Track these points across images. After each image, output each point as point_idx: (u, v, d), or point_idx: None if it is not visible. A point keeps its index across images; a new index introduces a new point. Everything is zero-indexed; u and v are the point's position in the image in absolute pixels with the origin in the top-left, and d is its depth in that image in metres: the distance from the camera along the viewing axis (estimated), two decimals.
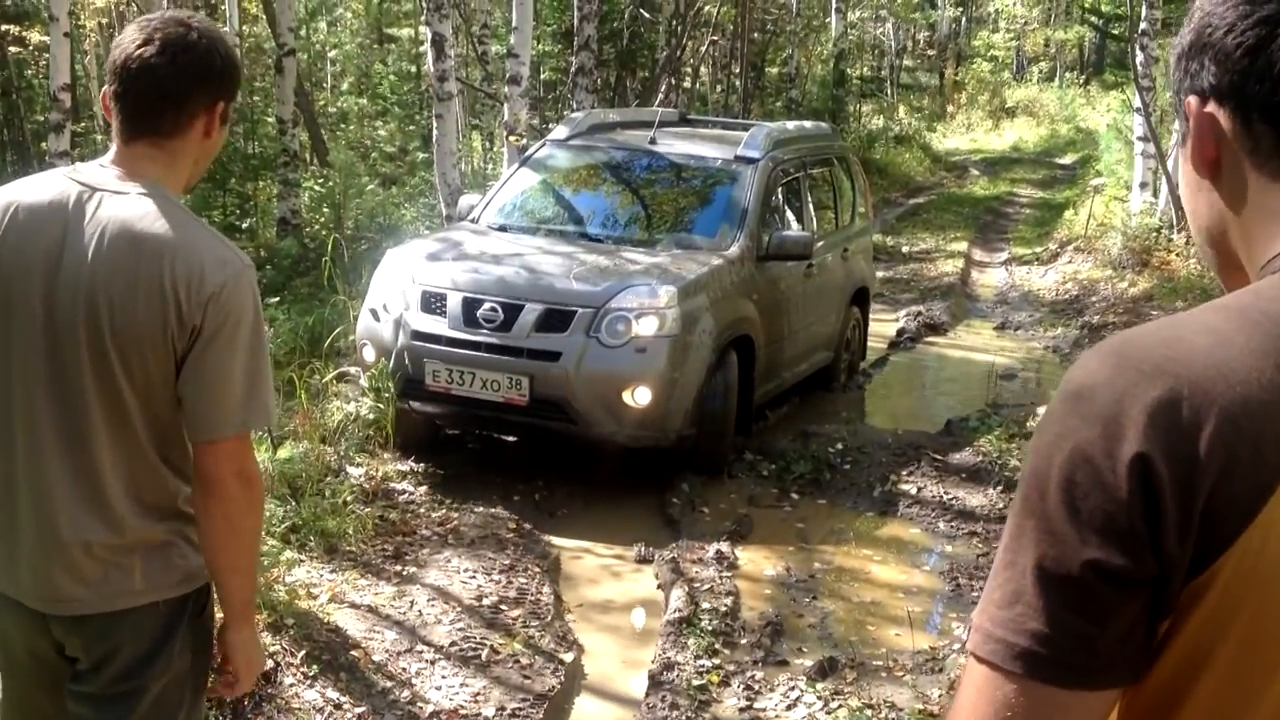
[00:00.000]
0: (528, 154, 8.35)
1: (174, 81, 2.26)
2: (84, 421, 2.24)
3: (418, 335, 6.53)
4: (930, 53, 37.65)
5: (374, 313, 6.78)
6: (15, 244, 2.25)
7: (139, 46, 2.25)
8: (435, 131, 9.90)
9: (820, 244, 8.12)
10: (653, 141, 7.89)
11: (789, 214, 8.09)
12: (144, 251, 2.21)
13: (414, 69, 20.69)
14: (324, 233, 12.12)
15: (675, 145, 7.99)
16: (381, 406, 6.56)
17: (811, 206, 8.39)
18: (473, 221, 7.64)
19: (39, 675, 2.38)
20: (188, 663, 2.38)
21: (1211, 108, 1.12)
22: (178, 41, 2.26)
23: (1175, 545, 0.98)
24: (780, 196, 7.94)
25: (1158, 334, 1.05)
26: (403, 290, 6.67)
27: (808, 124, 10.01)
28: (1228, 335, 1.02)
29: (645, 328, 6.34)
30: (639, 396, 6.28)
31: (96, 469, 2.25)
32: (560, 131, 8.34)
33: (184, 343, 2.22)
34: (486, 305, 6.43)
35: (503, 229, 7.49)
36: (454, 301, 6.50)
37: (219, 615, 2.49)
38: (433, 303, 6.58)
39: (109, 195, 2.26)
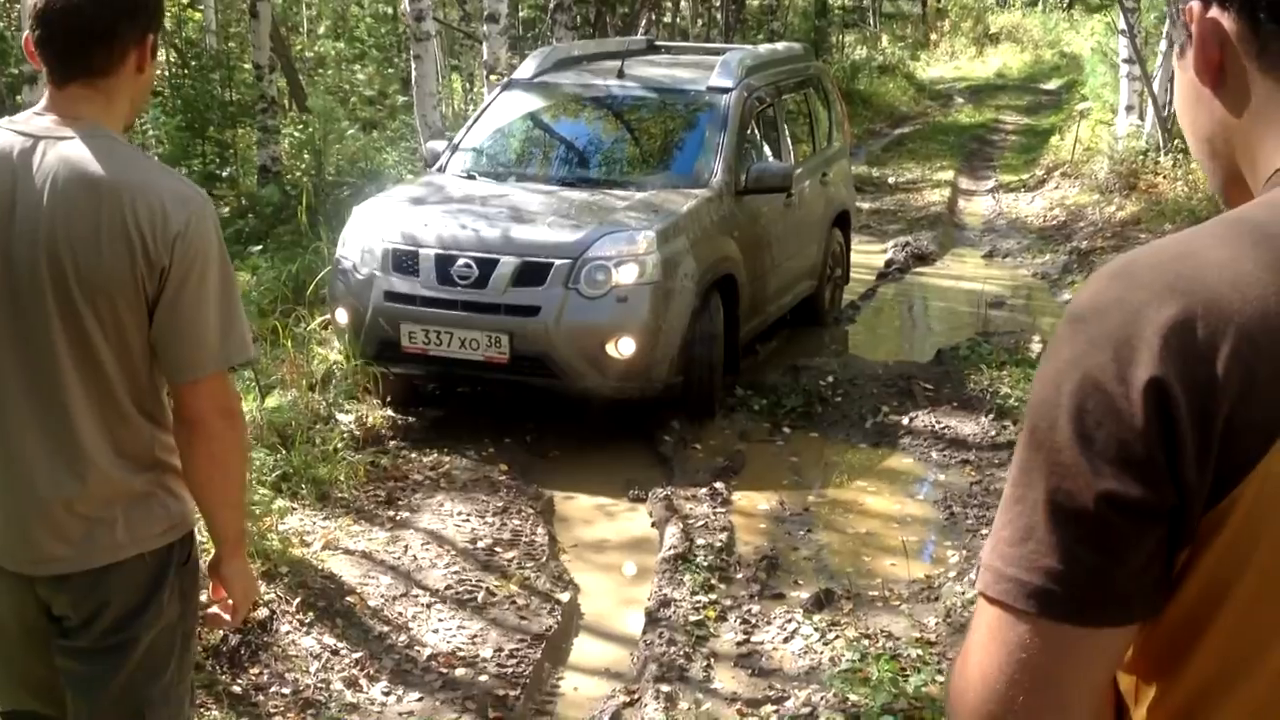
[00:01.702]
0: (491, 96, 8.11)
1: (100, 18, 2.19)
2: (55, 376, 2.20)
3: (390, 295, 6.32)
4: None
5: (344, 274, 6.56)
6: None
7: None
8: (414, 73, 9.78)
9: (799, 172, 7.96)
10: (621, 75, 7.65)
11: (765, 143, 7.91)
12: (102, 194, 2.15)
13: (391, 10, 20.40)
14: (305, 179, 12.00)
15: (645, 79, 7.77)
16: (357, 366, 6.42)
17: (788, 133, 8.19)
18: (440, 170, 7.40)
19: (28, 639, 2.35)
20: (177, 611, 2.38)
21: (1214, 12, 1.07)
22: None
23: (1194, 473, 0.94)
24: (756, 125, 7.75)
25: (1167, 251, 1.00)
26: (373, 249, 6.46)
27: (779, 46, 9.68)
28: (1240, 251, 0.98)
29: (625, 276, 6.17)
30: (622, 347, 6.13)
31: (72, 424, 2.21)
32: (525, 69, 8.05)
33: (154, 284, 2.18)
34: (460, 261, 6.22)
35: (471, 177, 7.25)
36: (426, 259, 6.30)
37: (211, 550, 2.49)
38: (404, 261, 6.37)
39: (52, 141, 2.19)
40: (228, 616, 2.53)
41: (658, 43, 9.92)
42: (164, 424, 2.33)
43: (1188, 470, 0.94)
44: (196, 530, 2.46)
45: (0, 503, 2.26)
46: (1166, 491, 0.95)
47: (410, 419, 6.56)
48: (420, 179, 7.60)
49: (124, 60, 2.24)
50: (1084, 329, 0.98)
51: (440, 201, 6.79)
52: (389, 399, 6.59)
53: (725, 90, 7.37)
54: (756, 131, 7.77)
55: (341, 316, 6.55)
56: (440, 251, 6.30)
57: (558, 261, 6.16)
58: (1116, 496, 0.94)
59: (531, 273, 6.17)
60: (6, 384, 2.21)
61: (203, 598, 2.57)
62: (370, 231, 6.53)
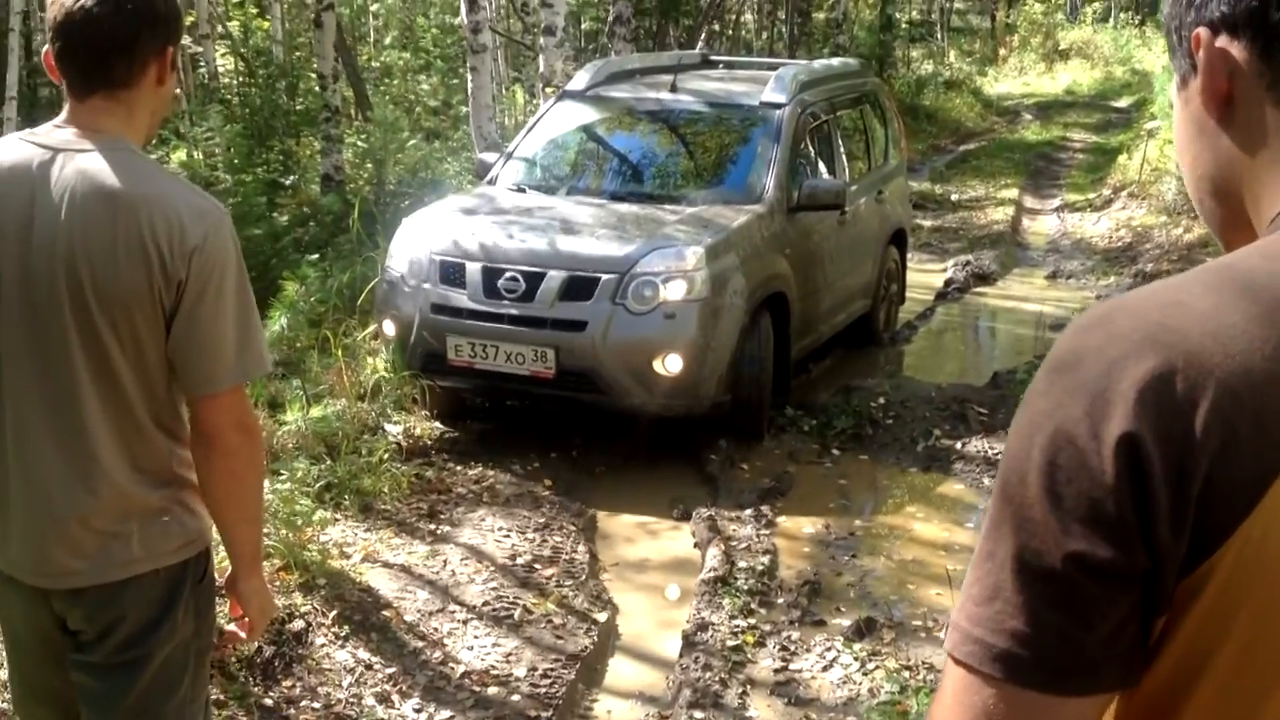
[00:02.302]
0: (543, 108, 8.09)
1: (121, 29, 2.18)
2: (72, 390, 2.19)
3: (437, 308, 6.31)
4: None
5: (391, 285, 6.57)
6: None
7: None
8: (470, 85, 9.80)
9: (853, 189, 7.86)
10: (673, 89, 7.59)
11: (819, 160, 7.81)
12: (119, 208, 2.14)
13: (456, 21, 20.53)
14: (367, 188, 12.09)
15: (698, 93, 7.70)
16: (405, 377, 6.41)
17: (843, 150, 8.09)
18: (490, 183, 7.38)
19: (43, 651, 2.35)
20: (191, 628, 2.36)
21: (1224, 40, 1.00)
22: None
23: (1168, 536, 0.88)
24: (810, 141, 7.65)
25: (1151, 299, 0.94)
26: (420, 261, 6.45)
27: (835, 62, 9.58)
28: (1227, 301, 0.91)
29: (673, 292, 6.10)
30: (670, 364, 6.05)
31: (89, 439, 2.20)
32: (578, 81, 7.97)
33: (171, 298, 2.17)
34: (507, 275, 6.19)
35: (521, 191, 7.22)
36: (473, 272, 6.27)
37: (226, 566, 2.47)
38: (451, 274, 6.35)
39: (72, 154, 2.19)
40: (244, 634, 2.51)
41: (712, 57, 9.86)
42: (181, 439, 2.32)
43: (1161, 532, 0.88)
44: (213, 547, 2.44)
45: (17, 516, 2.25)
46: (1138, 554, 0.89)
47: (457, 432, 6.55)
48: (470, 191, 7.58)
49: (144, 73, 2.23)
50: (1059, 379, 0.93)
51: (489, 214, 6.78)
52: (435, 412, 6.58)
53: (778, 105, 7.29)
54: (810, 148, 7.66)
55: (389, 328, 6.55)
56: (487, 264, 6.27)
57: (605, 276, 6.11)
58: (1085, 558, 0.89)
59: (579, 287, 6.13)
60: (24, 397, 2.21)
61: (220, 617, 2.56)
62: (418, 243, 6.52)
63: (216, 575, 2.50)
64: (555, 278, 6.14)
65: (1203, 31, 1.01)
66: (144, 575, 2.27)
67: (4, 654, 2.54)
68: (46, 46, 2.25)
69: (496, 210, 6.84)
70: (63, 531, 2.23)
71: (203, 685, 2.46)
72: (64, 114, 2.26)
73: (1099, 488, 0.88)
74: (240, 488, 2.32)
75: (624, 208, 6.85)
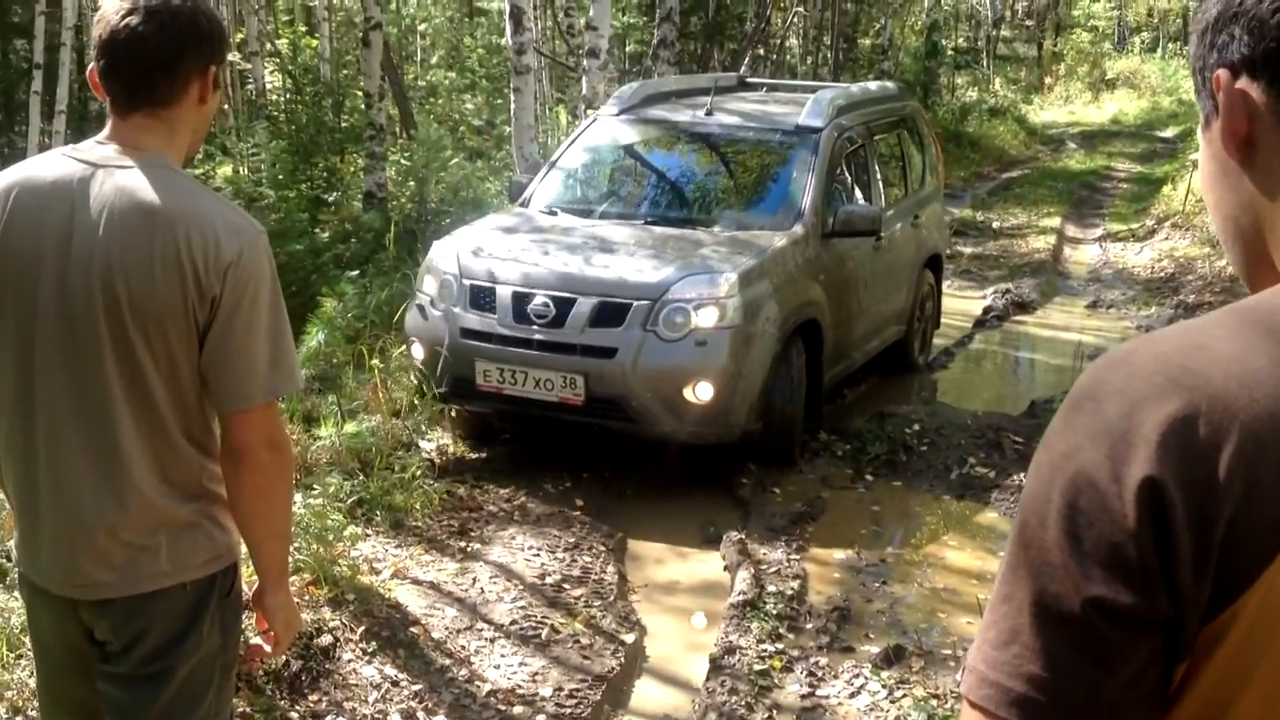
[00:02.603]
0: (578, 130, 8.09)
1: (165, 47, 2.22)
2: (105, 404, 2.22)
3: (466, 333, 6.27)
4: (1028, 23, 36.78)
5: (421, 308, 6.53)
6: (22, 228, 2.22)
7: (124, 17, 2.21)
8: (513, 105, 9.87)
9: (889, 214, 7.79)
10: (709, 113, 7.51)
11: (855, 185, 7.75)
12: (156, 224, 2.17)
13: (502, 43, 20.68)
14: (409, 206, 12.18)
15: (733, 115, 7.66)
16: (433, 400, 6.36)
17: (879, 175, 8.02)
18: (523, 205, 7.34)
19: (70, 661, 2.38)
20: (217, 642, 2.38)
21: (1244, 82, 1.00)
22: (162, 7, 2.22)
23: (1190, 581, 0.87)
24: (846, 166, 7.60)
25: (1173, 341, 0.93)
26: (450, 284, 6.42)
27: (873, 85, 9.53)
28: (1252, 344, 0.90)
29: (705, 319, 6.05)
30: (700, 392, 6.00)
31: (120, 452, 2.23)
32: (612, 105, 7.94)
33: (205, 314, 2.19)
34: (538, 300, 6.15)
35: (553, 213, 7.16)
36: (503, 296, 6.24)
37: (254, 580, 2.49)
38: (481, 298, 6.31)
39: (112, 170, 2.22)
40: (269, 648, 2.53)
41: (750, 79, 9.81)
42: (212, 453, 2.34)
43: (1184, 578, 0.87)
44: (241, 562, 2.47)
45: (47, 527, 2.28)
46: (1160, 599, 0.88)
47: (489, 452, 6.56)
48: (503, 213, 7.54)
49: (187, 91, 2.27)
50: (1080, 421, 0.92)
51: (520, 237, 6.74)
52: (462, 434, 6.58)
53: (815, 130, 7.24)
54: (846, 173, 7.63)
55: (417, 352, 6.51)
56: (518, 289, 6.24)
57: (637, 302, 6.07)
58: (1105, 602, 0.88)
59: (610, 313, 6.09)
60: (57, 409, 2.24)
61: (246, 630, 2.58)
62: (448, 266, 6.50)
63: (245, 589, 2.52)
64: (586, 303, 6.10)
65: (1223, 73, 1.01)
66: (171, 588, 2.29)
67: (32, 662, 2.56)
68: (92, 64, 2.29)
69: (528, 233, 6.81)
70: (92, 543, 2.25)
71: (227, 699, 2.48)
72: (106, 130, 2.29)
73: (1120, 531, 0.88)
74: (269, 503, 2.34)
75: (657, 231, 6.81)
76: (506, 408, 6.41)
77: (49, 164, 2.28)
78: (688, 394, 6.02)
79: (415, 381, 6.61)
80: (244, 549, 2.44)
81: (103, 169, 2.22)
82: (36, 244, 2.21)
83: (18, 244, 2.22)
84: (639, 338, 6.03)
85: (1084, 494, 0.89)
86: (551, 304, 6.14)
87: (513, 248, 6.57)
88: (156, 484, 2.26)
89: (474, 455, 6.51)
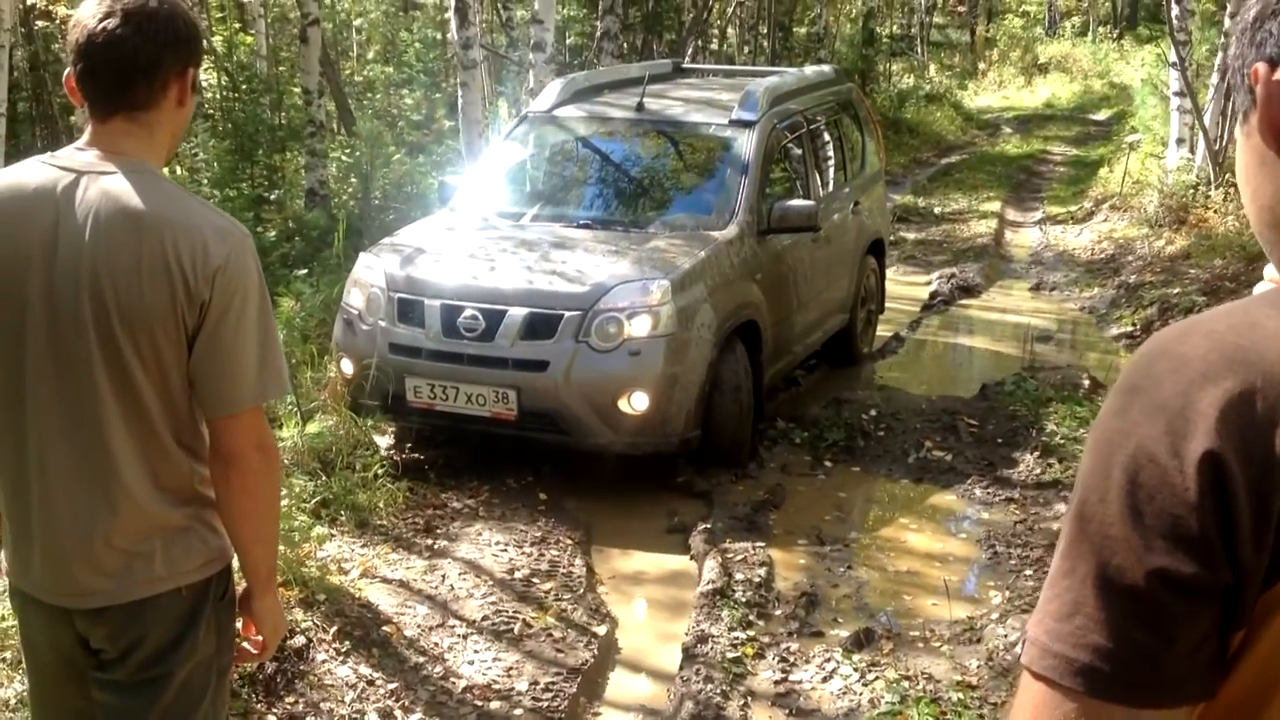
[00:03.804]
0: (507, 130, 7.87)
1: (143, 51, 2.20)
2: (96, 411, 2.20)
3: (395, 348, 6.13)
4: (961, 9, 37.09)
5: (349, 322, 6.35)
6: (6, 236, 2.20)
7: (101, 20, 2.19)
8: (461, 100, 9.82)
9: (829, 203, 7.69)
10: (640, 107, 7.35)
11: (793, 177, 7.63)
12: (143, 229, 2.16)
13: (439, 36, 20.55)
14: (352, 203, 12.09)
15: (665, 109, 7.45)
16: (360, 423, 6.13)
17: (818, 164, 7.89)
18: (451, 209, 7.13)
19: (65, 670, 2.36)
20: (213, 646, 2.37)
21: None
22: (140, 10, 2.20)
23: (1250, 551, 0.91)
24: (783, 157, 7.46)
25: (1225, 320, 0.97)
26: (377, 297, 6.26)
27: (809, 71, 9.24)
28: None
29: (638, 328, 5.92)
30: (635, 402, 5.89)
31: (112, 459, 2.21)
32: (542, 101, 7.69)
33: (194, 319, 2.18)
34: (467, 313, 6.00)
35: (483, 218, 6.95)
36: (431, 309, 6.08)
37: (241, 585, 2.49)
38: (409, 311, 6.16)
39: (95, 176, 2.20)
40: (255, 652, 2.52)
41: (685, 66, 9.59)
42: (202, 457, 2.33)
43: (1244, 548, 0.91)
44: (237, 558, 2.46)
45: (40, 537, 2.26)
46: (1221, 569, 0.91)
47: (449, 449, 6.53)
48: (431, 219, 7.28)
49: (165, 94, 2.25)
50: (1136, 400, 0.95)
51: (449, 246, 6.56)
52: (408, 446, 6.46)
53: (749, 124, 7.06)
54: (784, 164, 7.52)
55: (346, 367, 6.32)
56: (446, 302, 6.09)
57: (568, 313, 5.93)
58: (1168, 574, 0.91)
59: (540, 325, 5.96)
60: (46, 418, 2.22)
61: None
62: (375, 279, 6.33)
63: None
64: (516, 315, 5.96)
65: (1262, 66, 1.05)
66: (167, 593, 2.28)
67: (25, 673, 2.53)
68: (68, 69, 2.26)
69: (456, 242, 6.62)
70: (86, 550, 2.23)
71: (223, 703, 2.47)
72: (85, 136, 2.27)
73: (1181, 505, 0.91)
74: (257, 507, 2.33)
75: (588, 235, 6.64)
76: (439, 423, 6.26)
77: (28, 171, 2.25)
78: (623, 405, 5.92)
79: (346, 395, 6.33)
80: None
81: (85, 175, 2.20)
82: (22, 252, 2.18)
83: (2, 253, 2.19)
84: (571, 349, 5.91)
85: (1144, 469, 0.93)
86: (481, 317, 6.00)
87: (441, 257, 6.40)
88: (149, 489, 2.25)
89: (433, 452, 6.48)
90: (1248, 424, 0.91)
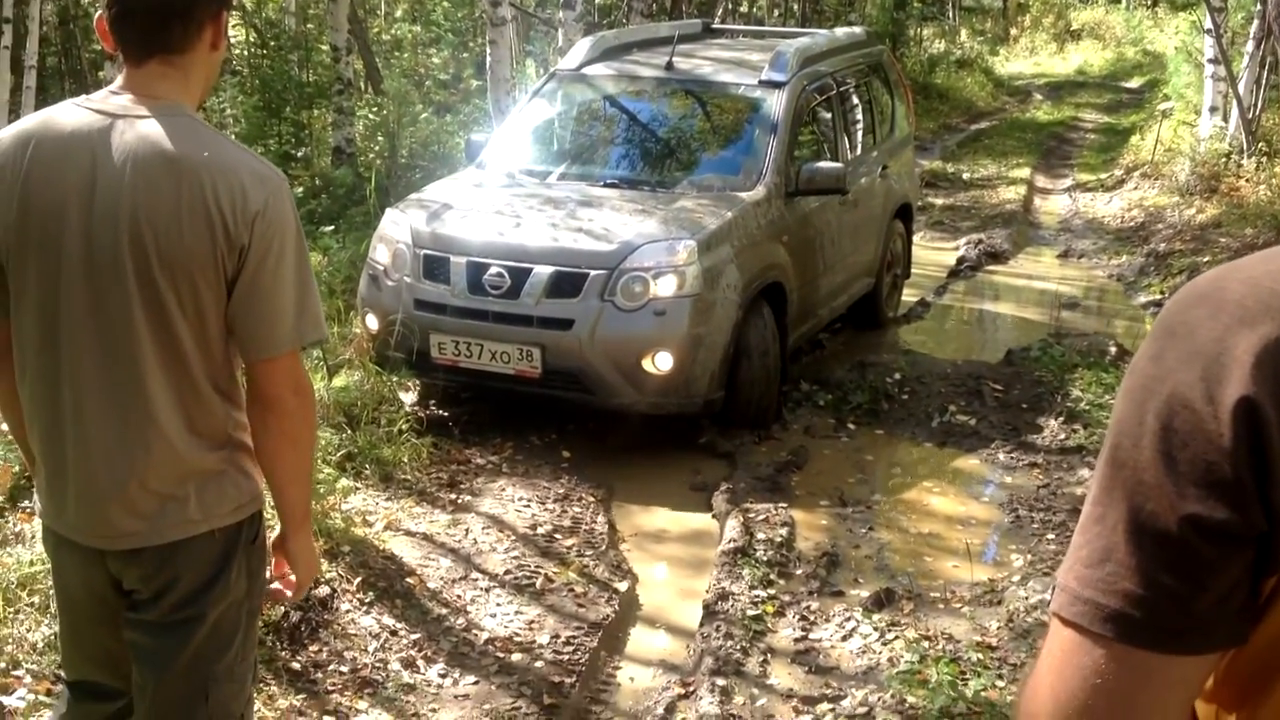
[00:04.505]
0: (534, 88, 7.83)
1: None
2: (133, 355, 2.22)
3: (420, 304, 6.12)
4: None
5: (374, 278, 6.37)
6: (43, 179, 2.21)
7: None
8: (489, 59, 9.80)
9: (858, 166, 7.65)
10: (669, 66, 7.31)
11: (821, 139, 7.57)
12: (182, 173, 2.17)
13: None
14: (379, 161, 12.09)
15: (695, 69, 7.41)
16: (385, 378, 6.18)
17: (847, 127, 7.84)
18: (478, 167, 7.12)
19: (97, 610, 2.39)
20: (244, 588, 2.40)
21: None
22: None
23: None
24: (812, 119, 7.41)
25: (1260, 268, 0.96)
26: (403, 254, 6.26)
27: (840, 32, 9.06)
28: None
29: (664, 288, 5.90)
30: (660, 362, 5.88)
31: (148, 402, 2.24)
32: (571, 59, 7.65)
33: (233, 263, 2.20)
34: (492, 270, 5.99)
35: (510, 176, 6.93)
36: (457, 266, 6.07)
37: (274, 528, 2.52)
38: (435, 268, 6.15)
39: (131, 120, 2.21)
40: (289, 593, 2.55)
41: (715, 26, 9.50)
42: (238, 402, 2.36)
43: (1277, 493, 0.90)
44: (273, 499, 2.49)
45: (74, 479, 2.29)
46: (1255, 515, 0.91)
47: (474, 405, 6.56)
48: (458, 176, 7.27)
49: (200, 36, 2.26)
50: (1171, 345, 0.95)
51: (475, 203, 6.54)
52: (431, 402, 6.47)
53: (778, 84, 7.01)
54: (813, 125, 7.46)
55: (371, 322, 6.33)
56: (472, 259, 6.08)
57: (593, 272, 5.92)
58: (1201, 520, 0.91)
59: (566, 283, 5.94)
60: (82, 361, 2.24)
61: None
62: (401, 235, 6.32)
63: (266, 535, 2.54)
64: (542, 273, 5.95)
65: None
66: (200, 536, 2.31)
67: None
68: (100, 12, 2.27)
69: (483, 199, 6.60)
70: (121, 492, 2.26)
71: (252, 645, 2.51)
72: (119, 80, 2.27)
73: (1215, 450, 0.90)
74: (294, 449, 2.36)
75: (615, 194, 6.59)
76: (463, 380, 6.28)
77: (65, 114, 2.26)
78: (647, 365, 5.91)
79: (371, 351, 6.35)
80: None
81: (122, 119, 2.21)
82: (59, 196, 2.20)
83: (40, 196, 2.21)
84: (596, 308, 5.90)
85: (1178, 415, 0.92)
86: (506, 274, 6.00)
87: (467, 214, 6.38)
88: (184, 434, 2.27)
89: (457, 409, 6.51)
90: None
